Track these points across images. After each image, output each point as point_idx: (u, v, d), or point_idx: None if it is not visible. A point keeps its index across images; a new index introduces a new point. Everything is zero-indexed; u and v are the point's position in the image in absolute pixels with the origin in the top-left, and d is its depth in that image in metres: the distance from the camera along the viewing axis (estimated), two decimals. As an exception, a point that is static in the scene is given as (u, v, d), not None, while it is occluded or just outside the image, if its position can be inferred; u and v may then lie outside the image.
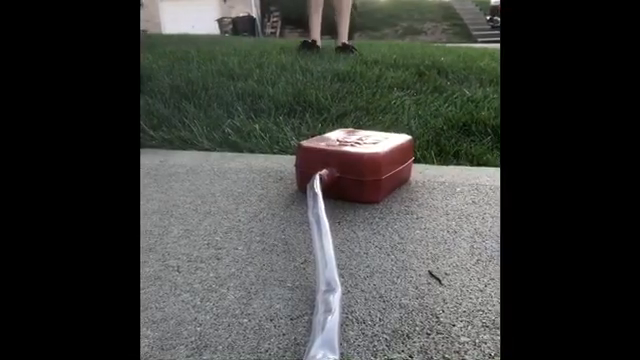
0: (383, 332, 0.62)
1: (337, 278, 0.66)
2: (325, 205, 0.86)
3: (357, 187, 1.01)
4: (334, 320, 0.54)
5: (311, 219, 0.81)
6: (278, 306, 0.67)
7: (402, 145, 1.12)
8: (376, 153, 1.03)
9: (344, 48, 3.23)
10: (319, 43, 3.28)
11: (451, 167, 1.33)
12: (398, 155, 1.10)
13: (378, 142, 1.10)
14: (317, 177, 0.96)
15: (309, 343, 0.53)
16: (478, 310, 0.68)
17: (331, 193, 0.99)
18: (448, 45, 4.06)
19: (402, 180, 1.14)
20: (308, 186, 0.93)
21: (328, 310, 0.55)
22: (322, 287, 0.63)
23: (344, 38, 3.34)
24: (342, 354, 0.57)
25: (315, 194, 0.88)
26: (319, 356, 0.47)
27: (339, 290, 0.63)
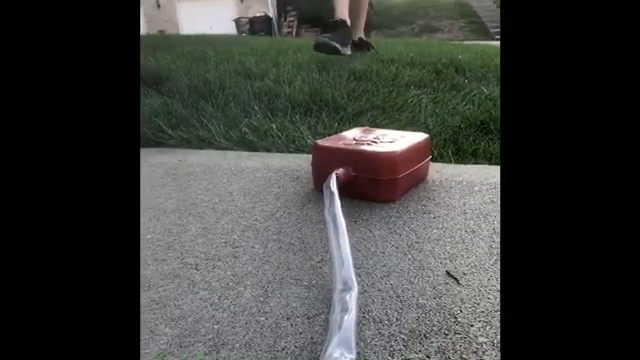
0: (400, 332, 0.62)
1: (354, 277, 0.66)
2: (341, 204, 0.86)
3: (373, 186, 1.01)
4: (351, 319, 0.54)
5: (327, 218, 0.81)
6: (295, 305, 0.67)
7: (419, 144, 1.11)
8: (392, 152, 1.02)
9: (360, 44, 2.77)
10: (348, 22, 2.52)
11: (469, 166, 1.32)
12: (415, 154, 1.09)
13: (394, 141, 1.09)
14: (333, 176, 0.96)
15: (326, 342, 0.53)
16: (496, 310, 0.67)
17: (347, 192, 0.99)
18: (465, 43, 4.02)
19: (419, 179, 1.13)
20: (324, 185, 0.93)
21: (345, 309, 0.55)
22: (339, 286, 0.63)
23: (360, 32, 2.82)
24: (359, 353, 0.57)
25: (331, 193, 0.88)
26: (336, 355, 0.47)
27: (355, 289, 0.63)
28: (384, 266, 0.78)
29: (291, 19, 15.43)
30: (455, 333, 0.62)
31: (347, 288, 0.62)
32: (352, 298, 0.60)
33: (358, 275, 0.74)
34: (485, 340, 0.61)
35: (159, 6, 16.92)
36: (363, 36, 2.88)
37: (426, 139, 1.15)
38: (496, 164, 1.35)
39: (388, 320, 0.64)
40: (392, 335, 0.61)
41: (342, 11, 2.52)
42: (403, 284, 0.72)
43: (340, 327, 0.51)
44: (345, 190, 0.97)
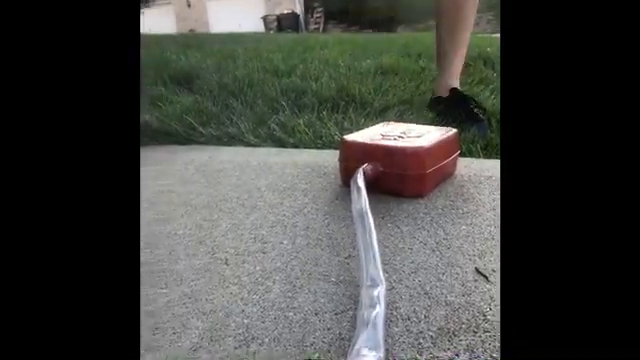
0: (429, 329, 0.62)
1: (382, 274, 0.66)
2: (369, 200, 0.86)
3: (401, 181, 1.01)
4: (379, 316, 0.54)
5: (355, 214, 0.81)
6: (323, 300, 0.68)
7: (447, 138, 1.10)
8: (420, 147, 1.02)
9: (459, 99, 1.51)
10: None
11: (498, 161, 1.29)
12: (443, 148, 1.08)
13: (422, 135, 1.09)
14: (360, 171, 0.96)
15: (354, 338, 0.53)
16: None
17: (375, 188, 0.99)
18: (494, 36, 3.92)
19: (447, 174, 1.12)
20: (352, 181, 0.94)
21: (373, 305, 0.55)
22: (367, 282, 0.63)
23: (455, 79, 1.58)
24: (387, 350, 0.57)
25: (359, 188, 0.88)
26: (364, 351, 0.48)
27: (383, 286, 0.64)
28: (412, 263, 0.77)
29: (318, 15, 15.41)
30: (484, 331, 0.62)
31: (375, 284, 0.62)
32: (380, 294, 0.60)
33: (385, 272, 0.74)
34: (515, 338, 0.60)
35: (189, 5, 17.18)
36: (457, 84, 1.58)
37: (454, 134, 1.14)
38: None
39: (416, 317, 0.64)
40: (420, 332, 0.61)
41: (454, 78, 1.49)
42: (431, 281, 0.72)
43: (368, 323, 0.51)
44: (373, 186, 0.97)
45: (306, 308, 0.67)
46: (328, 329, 0.62)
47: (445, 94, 1.55)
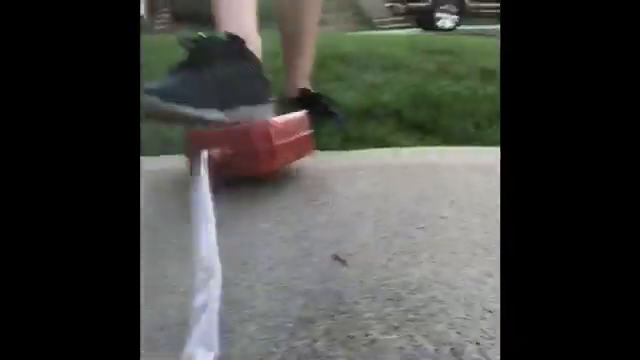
0: (286, 322, 0.60)
1: (216, 264, 0.57)
2: (223, 197, 0.81)
3: (250, 159, 0.97)
4: (210, 312, 0.49)
5: (191, 203, 0.73)
6: (170, 313, 0.63)
7: (295, 117, 1.11)
8: (266, 122, 1.00)
9: (309, 99, 1.45)
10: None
11: (355, 151, 1.34)
12: (292, 125, 1.08)
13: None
14: (203, 157, 0.87)
15: (187, 337, 0.48)
16: (382, 285, 0.68)
17: (227, 172, 0.93)
18: (349, 34, 4.13)
19: (301, 151, 1.10)
20: (191, 167, 0.87)
21: (205, 303, 0.50)
22: (200, 275, 0.55)
23: (304, 80, 1.52)
24: (240, 349, 0.54)
25: (198, 176, 0.79)
26: (197, 352, 0.43)
27: (218, 277, 0.56)
28: (270, 259, 0.75)
29: (164, 16, 14.85)
30: (341, 313, 0.62)
31: (207, 277, 0.55)
32: (213, 288, 0.53)
33: (242, 272, 0.71)
34: (371, 315, 0.61)
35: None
36: (308, 85, 1.51)
37: (304, 113, 1.14)
38: (381, 146, 1.39)
39: (273, 312, 0.62)
40: (277, 326, 0.59)
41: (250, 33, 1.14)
42: (289, 274, 0.71)
43: (198, 322, 0.47)
44: (224, 170, 0.92)
45: (151, 324, 0.61)
46: (174, 342, 0.57)
47: (295, 95, 1.52)
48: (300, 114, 1.13)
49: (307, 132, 1.14)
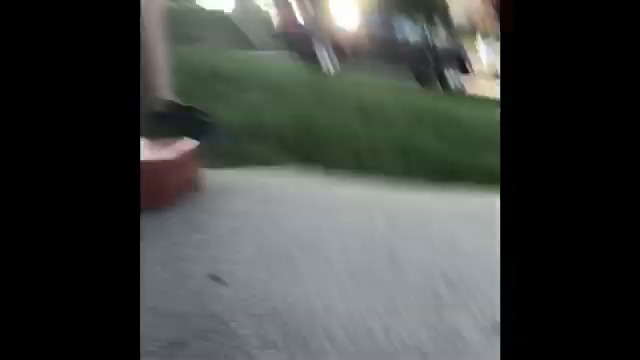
0: (159, 346, 0.58)
1: None
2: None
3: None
4: None
5: None
6: None
7: (184, 151, 1.09)
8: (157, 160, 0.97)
9: (179, 113, 1.34)
10: None
11: (236, 170, 1.34)
12: (182, 161, 1.06)
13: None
14: None
15: None
16: (261, 301, 0.68)
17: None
18: (227, 51, 4.08)
19: (190, 186, 1.09)
20: None
21: None
22: None
23: (166, 92, 1.40)
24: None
25: None
26: None
27: None
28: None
29: None
30: (217, 332, 0.61)
31: None
32: None
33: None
34: (248, 332, 0.61)
35: None
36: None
37: (194, 146, 1.12)
38: (261, 165, 1.40)
39: (143, 336, 0.59)
40: (149, 352, 0.56)
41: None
42: (160, 297, 0.68)
43: None
44: None
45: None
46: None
47: (161, 108, 1.41)
48: (191, 145, 1.11)
49: (193, 164, 1.12)
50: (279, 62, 3.99)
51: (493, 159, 1.80)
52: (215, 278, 0.74)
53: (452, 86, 5.27)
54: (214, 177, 1.22)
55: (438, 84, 5.32)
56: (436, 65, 5.45)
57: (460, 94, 5.17)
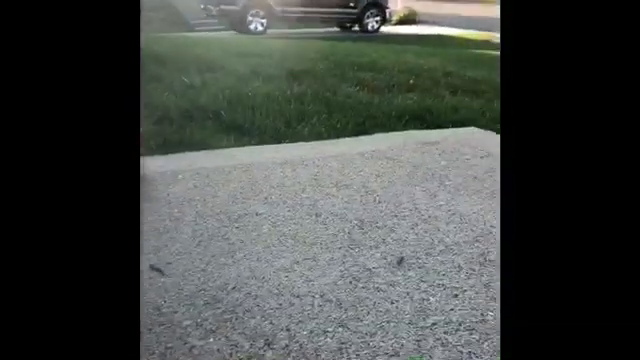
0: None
1: None
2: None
3: None
4: None
5: None
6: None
7: None
8: None
9: None
10: None
11: (174, 155, 1.32)
12: None
13: None
14: None
15: None
16: (200, 290, 0.69)
17: None
18: (163, 35, 3.95)
19: None
20: None
21: None
22: None
23: None
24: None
25: None
26: None
27: None
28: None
29: None
30: (159, 325, 0.62)
31: None
32: None
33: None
34: (189, 322, 0.62)
35: None
36: None
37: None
38: (200, 150, 1.38)
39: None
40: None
41: None
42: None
43: None
44: None
45: None
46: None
47: None
48: None
49: None
50: (214, 40, 3.89)
51: (410, 101, 1.89)
52: (155, 268, 0.74)
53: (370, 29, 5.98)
54: (152, 163, 1.20)
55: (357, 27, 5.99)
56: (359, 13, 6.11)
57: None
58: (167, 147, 1.40)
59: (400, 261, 0.75)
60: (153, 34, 3.85)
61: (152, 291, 0.69)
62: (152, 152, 1.36)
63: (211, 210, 0.94)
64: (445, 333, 0.59)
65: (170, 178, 1.10)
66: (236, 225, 0.88)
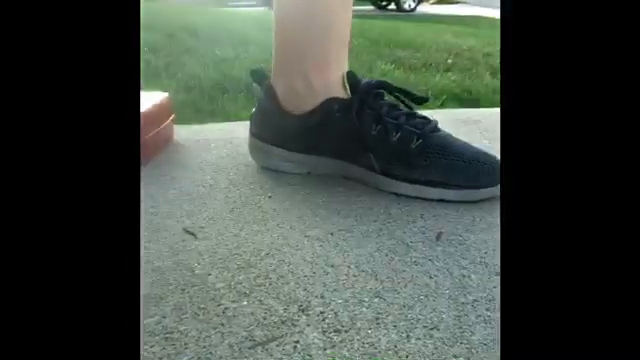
0: (133, 300, 0.58)
1: None
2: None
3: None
4: None
5: None
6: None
7: (159, 104, 1.07)
8: None
9: None
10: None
11: (207, 125, 1.32)
12: (156, 114, 1.04)
13: None
14: None
15: None
16: (234, 254, 0.69)
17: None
18: (197, 7, 3.95)
19: (165, 140, 1.09)
20: None
21: None
22: None
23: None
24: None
25: None
26: None
27: None
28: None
29: None
30: (192, 286, 0.61)
31: None
32: None
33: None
34: (222, 285, 0.62)
35: None
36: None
37: (166, 98, 1.10)
38: (232, 120, 1.38)
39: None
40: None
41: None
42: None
43: None
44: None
45: None
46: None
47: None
48: (164, 98, 1.08)
49: (170, 118, 1.09)
50: (248, 15, 3.87)
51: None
52: (188, 232, 0.74)
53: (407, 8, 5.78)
54: (185, 132, 1.20)
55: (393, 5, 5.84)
56: None
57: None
58: (200, 117, 1.40)
59: (438, 236, 0.72)
60: (187, 7, 3.86)
61: (185, 253, 0.68)
62: (185, 121, 1.36)
63: (243, 179, 0.93)
64: (487, 310, 0.56)
65: (203, 146, 1.10)
66: (269, 194, 0.87)
